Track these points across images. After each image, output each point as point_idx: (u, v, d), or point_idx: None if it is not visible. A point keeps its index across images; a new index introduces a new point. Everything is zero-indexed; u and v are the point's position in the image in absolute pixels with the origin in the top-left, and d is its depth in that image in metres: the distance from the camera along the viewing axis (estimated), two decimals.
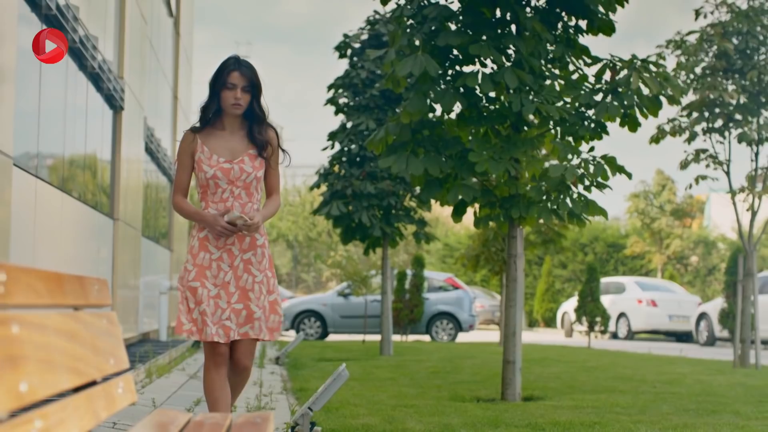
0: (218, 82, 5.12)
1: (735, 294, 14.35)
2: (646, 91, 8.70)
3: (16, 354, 1.88)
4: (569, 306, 27.84)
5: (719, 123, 13.36)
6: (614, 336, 27.39)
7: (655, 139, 13.64)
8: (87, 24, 9.96)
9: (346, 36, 15.79)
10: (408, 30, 8.73)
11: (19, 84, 7.46)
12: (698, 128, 13.44)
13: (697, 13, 13.20)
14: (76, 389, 2.41)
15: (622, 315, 27.04)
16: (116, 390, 2.74)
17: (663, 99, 8.77)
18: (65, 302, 2.45)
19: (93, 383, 2.54)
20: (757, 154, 13.55)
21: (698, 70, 13.29)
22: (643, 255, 37.76)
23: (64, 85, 9.55)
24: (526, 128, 8.95)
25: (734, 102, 13.08)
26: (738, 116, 13.23)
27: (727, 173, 13.62)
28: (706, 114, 13.35)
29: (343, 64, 15.51)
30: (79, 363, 2.38)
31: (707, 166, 13.55)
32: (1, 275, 1.90)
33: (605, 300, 26.47)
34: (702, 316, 24.05)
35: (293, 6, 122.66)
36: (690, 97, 13.43)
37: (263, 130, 5.20)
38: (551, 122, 8.78)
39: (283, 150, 5.30)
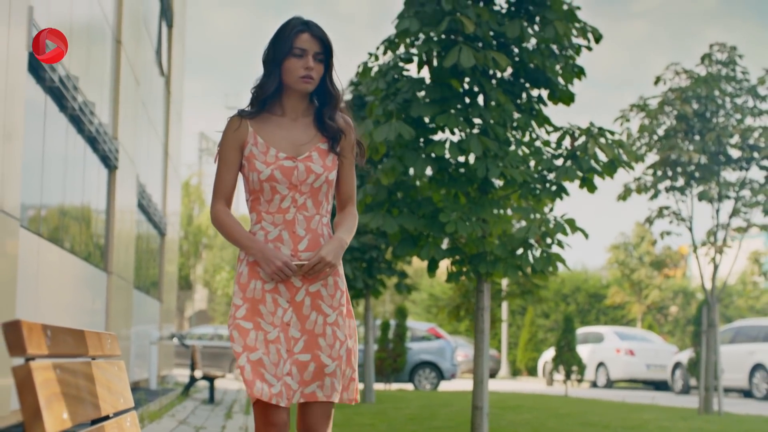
0: (281, 49, 3.82)
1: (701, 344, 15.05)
2: (602, 155, 9.44)
3: (59, 391, 2.57)
4: (550, 355, 28.47)
5: (681, 182, 14.16)
6: (594, 385, 28.02)
7: (623, 197, 14.43)
8: (85, 91, 10.70)
9: None
10: (383, 100, 9.47)
11: (24, 148, 8.17)
12: (661, 186, 14.22)
13: (658, 79, 14.04)
14: (96, 420, 3.09)
15: (601, 364, 27.69)
16: (125, 423, 3.42)
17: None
18: (87, 353, 3.14)
19: (108, 417, 3.22)
20: (717, 211, 14.31)
21: (660, 131, 14.10)
22: (624, 305, 38.52)
23: (64, 148, 10.26)
24: (492, 190, 9.66)
25: (694, 162, 13.87)
26: (698, 175, 14.03)
27: (690, 229, 14.39)
28: (669, 173, 14.14)
29: None
30: (98, 400, 3.07)
31: (671, 222, 14.33)
32: (49, 332, 2.60)
33: (585, 349, 27.16)
34: (677, 365, 24.74)
35: None
36: (653, 158, 14.23)
37: (336, 115, 3.93)
38: (515, 185, 9.50)
39: (359, 144, 4.02)
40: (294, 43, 3.80)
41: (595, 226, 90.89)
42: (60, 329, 2.78)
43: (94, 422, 3.08)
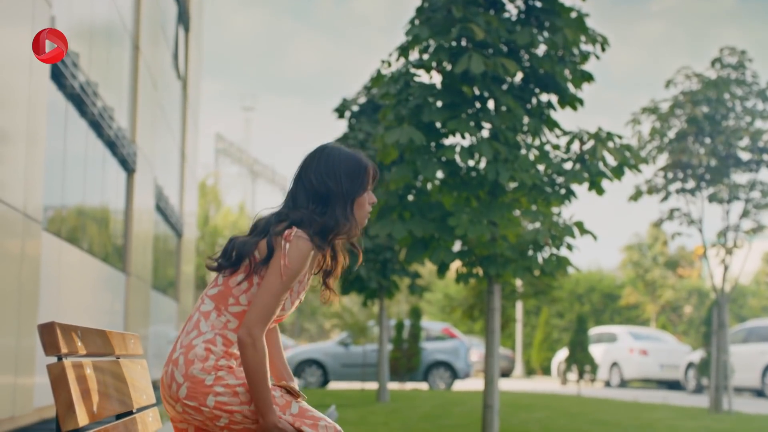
0: (361, 185, 3.43)
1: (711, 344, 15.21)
2: (610, 158, 9.62)
3: (88, 387, 2.79)
4: (564, 355, 28.63)
5: (692, 184, 14.33)
6: (607, 384, 28.17)
7: (634, 197, 14.63)
8: (105, 97, 10.95)
9: (344, 99, 16.85)
10: (395, 106, 9.68)
11: (46, 153, 8.41)
12: (672, 188, 14.40)
13: (669, 82, 14.21)
14: (121, 415, 3.31)
15: (614, 364, 27.83)
16: (148, 418, 3.63)
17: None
18: (113, 352, 3.36)
19: (131, 412, 3.43)
20: (728, 212, 14.48)
21: (671, 134, 14.27)
22: (638, 305, 38.66)
23: (84, 152, 10.51)
24: (502, 193, 9.85)
25: (704, 165, 14.04)
26: (708, 177, 14.20)
27: (700, 230, 14.56)
28: (680, 175, 14.32)
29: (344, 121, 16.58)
30: (123, 396, 3.29)
31: (681, 224, 14.50)
32: (79, 333, 2.82)
33: (598, 349, 27.31)
34: (690, 365, 24.87)
35: (300, 58, 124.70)
36: (664, 160, 14.40)
37: None
38: (525, 188, 9.69)
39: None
40: (370, 179, 3.44)
41: (611, 227, 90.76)
42: (89, 330, 3.00)
43: (119, 417, 3.30)
